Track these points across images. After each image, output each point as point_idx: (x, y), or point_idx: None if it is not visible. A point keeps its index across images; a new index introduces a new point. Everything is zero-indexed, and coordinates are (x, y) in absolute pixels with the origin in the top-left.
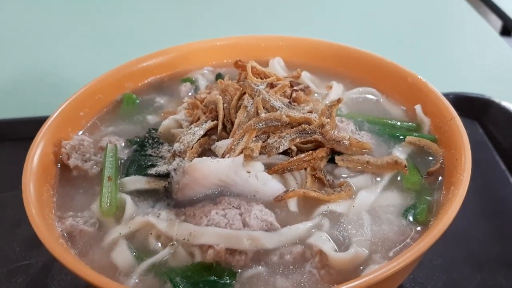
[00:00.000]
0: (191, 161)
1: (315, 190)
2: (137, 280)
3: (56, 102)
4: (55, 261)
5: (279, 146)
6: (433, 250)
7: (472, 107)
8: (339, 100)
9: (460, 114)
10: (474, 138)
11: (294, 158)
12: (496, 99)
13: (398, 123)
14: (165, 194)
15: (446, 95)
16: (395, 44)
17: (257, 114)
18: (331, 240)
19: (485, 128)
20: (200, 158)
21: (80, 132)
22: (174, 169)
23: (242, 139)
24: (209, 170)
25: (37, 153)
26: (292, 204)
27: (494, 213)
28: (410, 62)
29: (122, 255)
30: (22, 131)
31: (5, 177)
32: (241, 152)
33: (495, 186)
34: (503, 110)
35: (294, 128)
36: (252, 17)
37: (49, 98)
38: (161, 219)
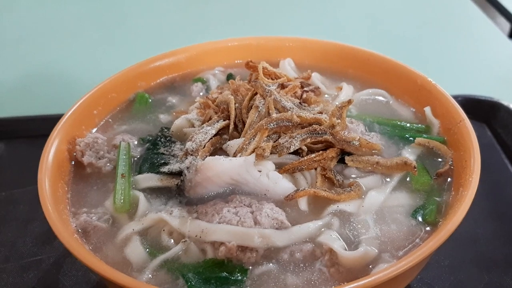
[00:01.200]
0: (203, 159)
1: (325, 190)
2: (150, 276)
3: (69, 101)
4: (66, 256)
5: (290, 146)
6: (441, 251)
7: (481, 110)
8: (349, 101)
9: (468, 117)
10: (482, 141)
11: (305, 158)
12: (504, 101)
13: (408, 125)
14: (178, 192)
15: (455, 98)
16: (404, 46)
17: (269, 114)
18: (341, 239)
19: (494, 131)
20: (212, 156)
21: (94, 130)
22: (187, 167)
23: (254, 139)
24: (222, 169)
25: (52, 150)
26: (303, 203)
27: (502, 214)
28: (419, 65)
29: (135, 251)
30: (35, 129)
31: (18, 174)
32: (253, 151)
33: (504, 188)
34: None
35: (305, 129)
36: (263, 19)
37: (62, 97)
38: (173, 216)
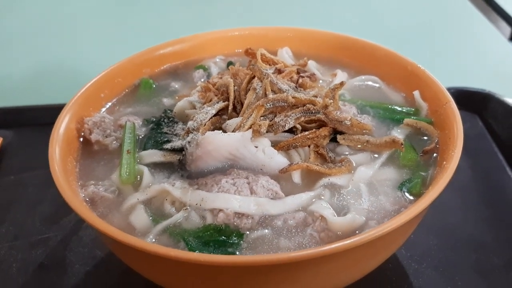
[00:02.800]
0: (204, 135)
1: (317, 164)
2: (153, 240)
3: (73, 92)
4: (73, 234)
5: (285, 124)
6: (431, 231)
7: (473, 101)
8: (342, 83)
9: (461, 108)
10: (474, 131)
11: (299, 135)
12: (495, 93)
13: (398, 108)
14: (180, 166)
15: (448, 90)
16: (404, 46)
17: (265, 95)
18: (331, 208)
19: (485, 121)
20: (212, 131)
21: (101, 111)
22: (189, 142)
23: (251, 117)
24: (221, 143)
25: (61, 128)
26: (296, 177)
27: (491, 199)
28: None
29: (140, 217)
30: (42, 118)
31: (26, 159)
32: (250, 128)
33: (493, 175)
34: (502, 104)
35: (299, 108)
36: (262, 9)
37: (67, 88)
38: (176, 187)
